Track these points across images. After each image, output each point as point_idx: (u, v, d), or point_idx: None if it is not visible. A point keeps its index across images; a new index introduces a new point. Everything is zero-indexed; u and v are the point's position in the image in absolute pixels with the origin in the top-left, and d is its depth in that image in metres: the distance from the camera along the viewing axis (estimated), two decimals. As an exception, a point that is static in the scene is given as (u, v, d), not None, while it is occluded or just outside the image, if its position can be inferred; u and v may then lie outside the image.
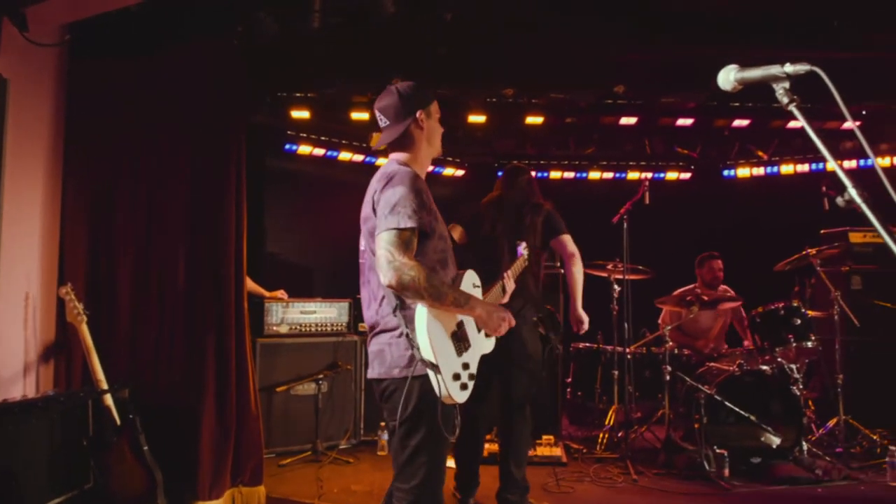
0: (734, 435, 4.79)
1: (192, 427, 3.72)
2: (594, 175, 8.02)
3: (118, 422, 3.45)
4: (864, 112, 5.92)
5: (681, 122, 6.58)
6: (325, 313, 5.72)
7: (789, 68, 1.95)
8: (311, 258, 7.43)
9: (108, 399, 3.45)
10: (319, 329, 5.67)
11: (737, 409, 4.79)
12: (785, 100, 2.02)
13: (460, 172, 8.15)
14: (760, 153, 7.12)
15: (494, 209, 4.26)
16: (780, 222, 6.79)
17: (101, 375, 3.47)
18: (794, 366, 5.07)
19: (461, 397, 2.32)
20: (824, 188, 5.71)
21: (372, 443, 5.57)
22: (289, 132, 6.96)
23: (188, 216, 3.96)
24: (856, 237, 5.96)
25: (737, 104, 6.17)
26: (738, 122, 6.44)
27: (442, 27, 5.04)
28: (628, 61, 5.91)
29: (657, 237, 6.63)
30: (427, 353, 2.22)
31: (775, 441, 4.78)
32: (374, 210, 2.34)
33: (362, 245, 2.47)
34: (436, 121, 2.58)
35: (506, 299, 2.77)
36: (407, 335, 2.27)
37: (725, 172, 7.71)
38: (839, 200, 2.00)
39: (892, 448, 4.78)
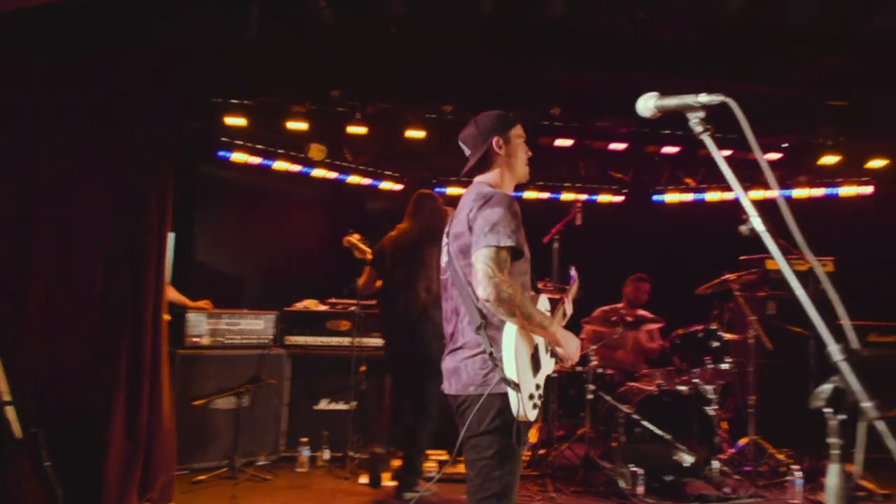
0: (651, 453, 4.90)
1: (98, 441, 3.59)
2: (530, 195, 8.14)
3: (19, 435, 3.29)
4: (784, 145, 6.18)
5: (614, 146, 6.75)
6: (251, 325, 5.62)
7: (703, 98, 2.02)
8: (242, 268, 7.30)
9: (10, 411, 3.29)
10: (244, 341, 5.56)
11: (653, 429, 4.90)
12: (698, 128, 2.09)
13: (399, 187, 8.16)
14: (688, 180, 7.37)
15: (392, 244, 4.51)
16: (704, 247, 7.01)
17: (5, 386, 3.30)
18: (710, 387, 5.23)
19: (533, 416, 2.37)
20: (744, 216, 5.91)
21: (292, 459, 5.48)
22: (223, 139, 6.84)
23: (107, 223, 3.84)
24: (772, 264, 6.19)
25: (667, 132, 6.37)
26: (667, 149, 6.65)
27: (384, 41, 5.06)
28: (565, 85, 6.06)
29: (587, 258, 6.73)
30: (511, 372, 2.27)
31: (688, 460, 4.92)
32: (469, 228, 2.40)
33: (444, 261, 2.56)
34: (517, 146, 2.64)
35: (564, 322, 2.84)
36: (491, 354, 2.32)
37: (655, 197, 7.94)
38: (742, 228, 2.08)
39: (793, 467, 5.00)
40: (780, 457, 5.52)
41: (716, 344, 5.37)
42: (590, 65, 5.56)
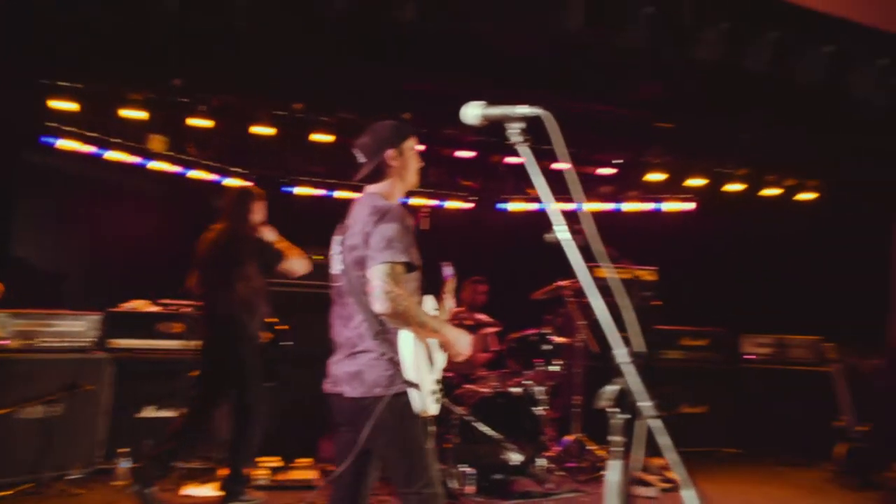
0: (483, 453, 5.04)
1: None
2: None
3: None
4: (616, 161, 6.59)
5: (462, 153, 6.89)
6: (69, 327, 5.18)
7: (523, 110, 2.13)
8: (66, 265, 6.76)
9: None
10: (60, 344, 5.11)
11: (485, 429, 5.05)
12: (516, 138, 2.19)
13: (246, 185, 7.86)
14: (530, 191, 7.66)
15: (208, 243, 4.46)
16: (544, 255, 7.31)
17: None
18: (540, 388, 5.48)
19: (435, 410, 2.59)
20: (576, 227, 6.24)
21: (108, 472, 5.09)
22: (48, 124, 6.27)
23: None
24: (600, 272, 6.57)
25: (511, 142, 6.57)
26: (511, 159, 6.88)
27: (231, 33, 4.87)
28: (416, 91, 6.12)
29: (433, 264, 6.83)
30: (410, 373, 2.47)
31: (516, 458, 5.11)
32: (364, 241, 2.52)
33: (338, 269, 2.66)
34: (410, 158, 2.76)
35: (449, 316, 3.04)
36: (391, 358, 2.49)
37: (500, 206, 8.18)
38: (547, 237, 2.18)
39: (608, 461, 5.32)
40: (601, 453, 5.88)
41: (547, 347, 5.63)
42: (441, 71, 5.65)
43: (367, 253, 2.51)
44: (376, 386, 2.50)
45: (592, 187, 7.26)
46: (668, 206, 7.55)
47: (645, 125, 5.90)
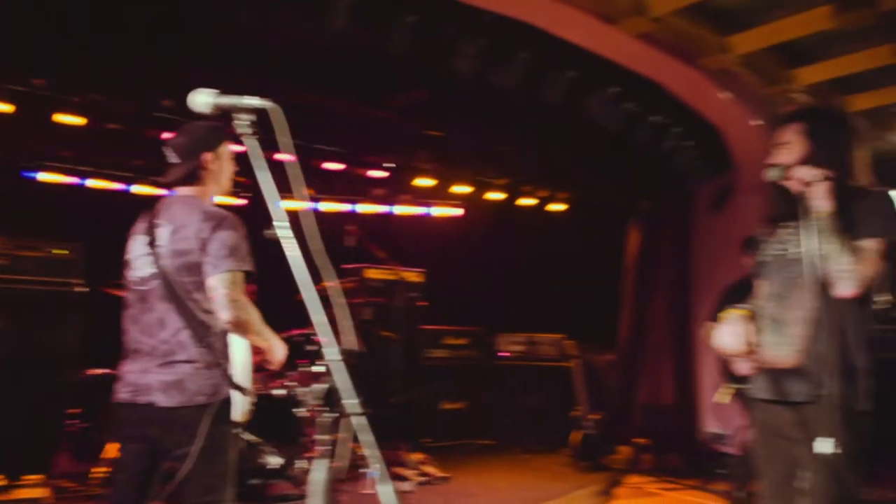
0: (241, 458, 4.81)
1: None
2: (140, 189, 7.48)
3: None
4: (388, 165, 6.67)
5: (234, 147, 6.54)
6: None
7: (254, 101, 2.06)
8: None
9: None
10: None
11: (244, 435, 4.85)
12: (243, 130, 2.10)
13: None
14: (310, 190, 7.53)
15: None
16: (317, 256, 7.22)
17: None
18: (304, 389, 5.38)
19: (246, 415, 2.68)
20: (354, 229, 6.23)
21: None
22: None
23: None
24: (370, 273, 6.66)
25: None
26: (281, 156, 6.63)
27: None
28: (180, 78, 5.70)
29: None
30: (243, 379, 2.55)
31: (274, 462, 4.96)
32: (200, 248, 2.44)
33: (146, 272, 2.51)
34: (226, 162, 2.66)
35: None
36: (219, 364, 2.45)
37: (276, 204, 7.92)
38: (267, 233, 2.12)
39: (368, 460, 5.38)
40: (360, 451, 5.89)
41: (312, 348, 5.55)
42: (203, 60, 5.33)
43: (204, 259, 2.44)
44: (199, 394, 2.42)
45: (368, 188, 7.29)
46: (438, 211, 7.81)
47: (414, 131, 6.04)
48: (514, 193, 7.50)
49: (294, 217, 2.01)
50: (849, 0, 3.43)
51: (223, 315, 2.42)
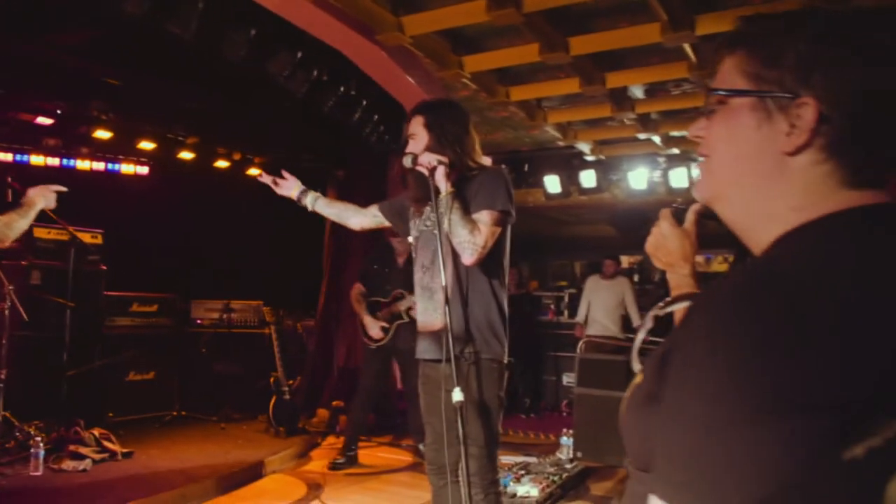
0: None
1: None
2: None
3: None
4: (57, 112, 5.97)
5: None
6: None
7: None
8: None
9: None
10: None
11: None
12: None
13: None
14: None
15: None
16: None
17: None
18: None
19: None
20: (9, 179, 5.47)
21: None
22: None
23: None
24: (40, 232, 5.95)
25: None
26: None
27: None
28: None
29: None
30: None
31: None
32: None
33: None
34: None
35: None
36: None
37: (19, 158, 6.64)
38: None
39: (36, 439, 4.88)
40: (31, 430, 5.32)
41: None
42: None
43: None
44: None
45: (36, 139, 6.44)
46: (123, 168, 7.20)
47: (85, 75, 5.43)
48: (207, 154, 7.19)
49: None
50: (498, -2, 3.83)
51: None
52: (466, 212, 2.57)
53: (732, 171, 0.86)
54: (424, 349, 2.73)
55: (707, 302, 0.77)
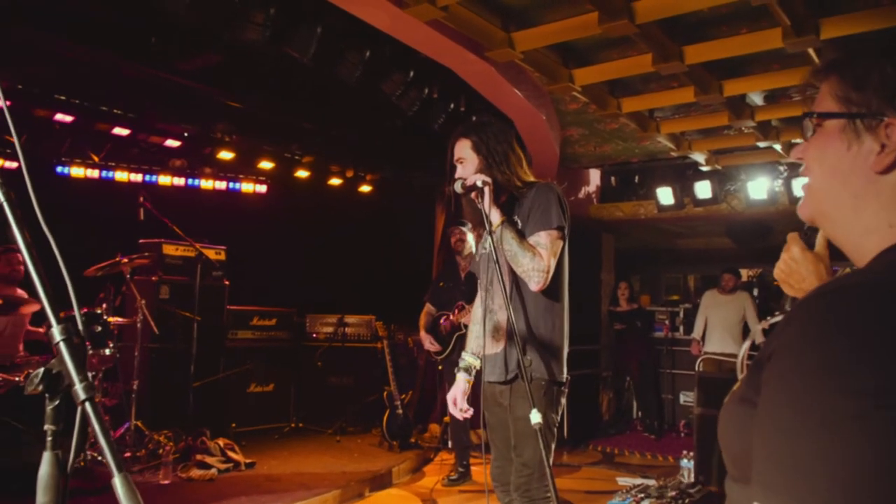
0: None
1: None
2: None
3: None
4: (184, 134, 6.35)
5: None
6: None
7: None
8: None
9: None
10: None
11: (14, 423, 4.43)
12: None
13: None
14: (93, 155, 6.95)
15: None
16: (113, 227, 6.72)
17: None
18: (90, 374, 4.99)
19: None
20: (141, 198, 5.84)
21: None
22: None
23: None
24: (168, 249, 6.32)
25: (62, 97, 5.83)
26: (61, 117, 6.06)
27: None
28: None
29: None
30: None
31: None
32: None
33: None
34: None
35: None
36: None
37: (59, 169, 7.25)
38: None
39: (165, 448, 5.16)
40: (160, 439, 5.63)
41: (99, 329, 5.17)
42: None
43: None
44: None
45: (163, 160, 6.88)
46: (244, 187, 7.57)
47: (209, 100, 5.76)
48: (321, 172, 7.44)
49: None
50: (610, 10, 3.74)
51: None
52: (523, 237, 2.53)
53: (828, 191, 0.91)
54: (487, 370, 2.68)
55: (802, 312, 0.78)
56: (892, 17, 3.88)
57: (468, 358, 2.78)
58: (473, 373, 2.77)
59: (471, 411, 2.74)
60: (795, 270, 1.34)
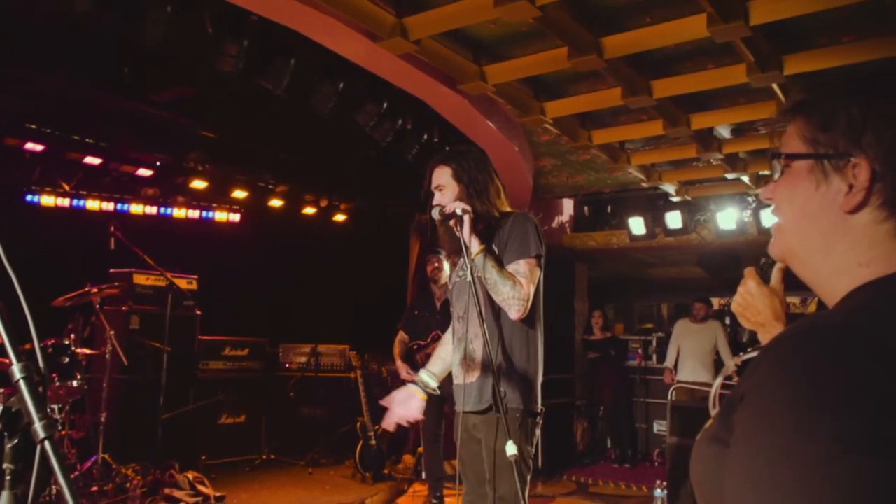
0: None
1: None
2: None
3: None
4: (157, 163, 6.33)
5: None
6: None
7: None
8: None
9: None
10: None
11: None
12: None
13: None
14: (64, 184, 6.87)
15: None
16: (83, 256, 6.63)
17: None
18: (57, 406, 4.90)
19: None
20: (112, 228, 5.78)
21: None
22: None
23: None
24: (139, 278, 6.26)
25: (33, 126, 5.78)
26: (31, 146, 5.99)
27: None
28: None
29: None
30: None
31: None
32: None
33: None
34: None
35: None
36: None
37: (29, 197, 7.14)
38: None
39: (133, 482, 5.07)
40: (128, 473, 5.51)
41: (66, 360, 5.08)
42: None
43: None
44: None
45: (135, 188, 6.83)
46: (217, 216, 7.53)
47: (183, 129, 5.77)
48: (295, 202, 7.45)
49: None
50: (579, 45, 3.83)
51: None
52: (502, 266, 2.53)
53: (798, 231, 0.92)
54: (461, 400, 2.65)
55: (769, 354, 0.78)
56: (852, 54, 4.04)
57: (425, 376, 2.76)
58: (424, 390, 2.73)
59: (412, 418, 2.72)
60: (752, 304, 1.36)
